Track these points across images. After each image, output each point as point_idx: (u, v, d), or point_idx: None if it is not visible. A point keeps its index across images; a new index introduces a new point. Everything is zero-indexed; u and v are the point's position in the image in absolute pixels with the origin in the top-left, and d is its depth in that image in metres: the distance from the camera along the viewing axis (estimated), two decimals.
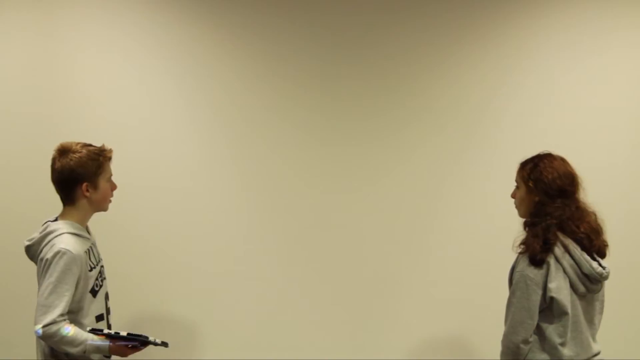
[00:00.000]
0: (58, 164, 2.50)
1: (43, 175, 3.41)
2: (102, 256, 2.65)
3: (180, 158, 3.47)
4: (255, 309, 3.50)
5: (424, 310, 3.49)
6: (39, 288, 2.40)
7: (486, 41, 3.51)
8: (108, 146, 2.57)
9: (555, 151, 3.44)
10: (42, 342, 2.44)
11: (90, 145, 2.53)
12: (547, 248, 2.39)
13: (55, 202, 3.37)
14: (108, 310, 2.60)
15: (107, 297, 2.61)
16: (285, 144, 3.51)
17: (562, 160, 2.54)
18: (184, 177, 3.47)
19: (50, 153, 3.40)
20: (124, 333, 2.37)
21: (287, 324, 3.51)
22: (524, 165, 2.56)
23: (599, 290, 2.51)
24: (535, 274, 2.38)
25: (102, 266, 2.59)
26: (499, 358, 2.52)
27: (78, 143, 2.52)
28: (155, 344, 2.39)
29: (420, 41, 3.51)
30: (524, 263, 2.40)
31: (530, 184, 2.48)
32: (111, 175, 2.57)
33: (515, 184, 2.58)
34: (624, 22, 3.47)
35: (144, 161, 3.45)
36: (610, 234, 3.42)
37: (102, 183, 2.52)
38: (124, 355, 2.43)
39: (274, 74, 3.50)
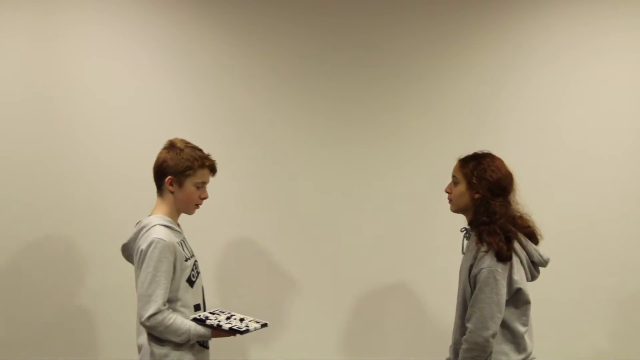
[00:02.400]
0: (158, 154, 2.59)
1: (43, 174, 3.44)
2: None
3: None
4: (254, 309, 3.48)
5: (424, 311, 3.48)
6: (136, 280, 2.46)
7: (487, 42, 3.50)
8: (212, 157, 2.62)
9: (558, 152, 3.50)
10: (146, 343, 2.48)
11: (197, 149, 2.59)
12: (510, 245, 2.49)
13: (54, 200, 3.41)
14: (204, 303, 2.68)
15: (202, 290, 2.68)
16: (285, 145, 3.50)
17: (501, 160, 2.62)
18: None
19: (49, 152, 3.45)
20: (225, 326, 2.40)
21: (286, 324, 3.50)
22: (465, 161, 2.61)
23: (537, 278, 2.63)
24: (503, 268, 2.46)
25: (196, 260, 2.65)
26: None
27: (187, 143, 2.58)
28: (257, 329, 2.47)
29: (421, 42, 3.50)
30: (491, 260, 2.46)
31: (474, 180, 2.54)
32: (204, 183, 2.61)
33: (452, 178, 2.64)
34: (626, 23, 3.46)
35: (143, 160, 3.43)
36: (611, 233, 3.46)
37: (189, 185, 2.55)
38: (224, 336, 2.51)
39: (273, 75, 3.49)
